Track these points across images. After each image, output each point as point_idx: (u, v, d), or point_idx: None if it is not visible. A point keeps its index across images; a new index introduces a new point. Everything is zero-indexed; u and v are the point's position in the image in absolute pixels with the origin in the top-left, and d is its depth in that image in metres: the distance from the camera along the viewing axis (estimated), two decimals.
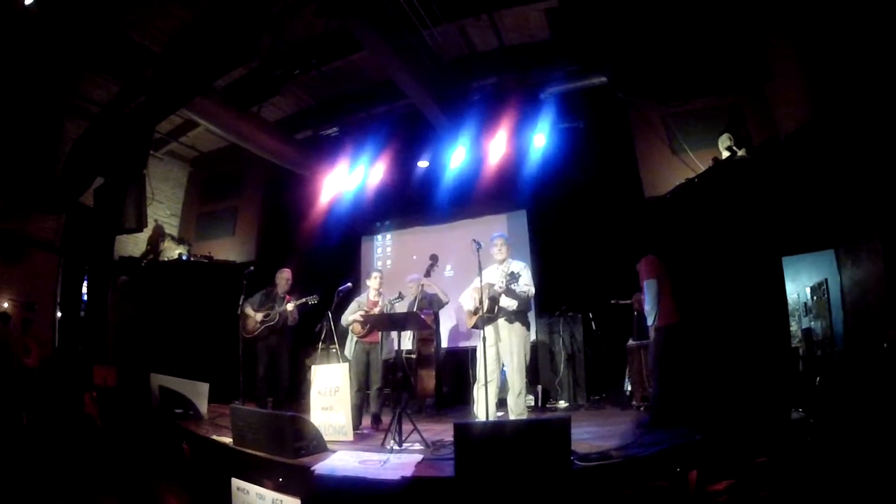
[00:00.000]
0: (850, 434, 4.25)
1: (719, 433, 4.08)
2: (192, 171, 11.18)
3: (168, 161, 10.61)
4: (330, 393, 5.32)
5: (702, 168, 6.72)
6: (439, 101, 7.43)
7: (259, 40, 6.26)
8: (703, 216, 5.91)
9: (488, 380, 4.95)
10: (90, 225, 8.57)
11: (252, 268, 6.81)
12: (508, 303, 5.16)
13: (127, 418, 6.35)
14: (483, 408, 4.87)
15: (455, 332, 8.49)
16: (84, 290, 9.64)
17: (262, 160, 9.21)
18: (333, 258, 9.65)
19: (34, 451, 6.71)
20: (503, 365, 5.26)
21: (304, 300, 6.64)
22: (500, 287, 5.08)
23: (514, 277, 5.05)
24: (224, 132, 8.10)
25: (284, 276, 6.94)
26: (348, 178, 9.08)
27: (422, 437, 4.74)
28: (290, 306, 6.65)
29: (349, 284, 6.49)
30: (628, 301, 6.99)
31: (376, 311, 6.08)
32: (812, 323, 5.86)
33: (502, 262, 5.46)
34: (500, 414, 5.47)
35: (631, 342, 6.92)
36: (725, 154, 6.38)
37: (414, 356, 7.00)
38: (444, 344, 8.00)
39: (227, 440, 4.85)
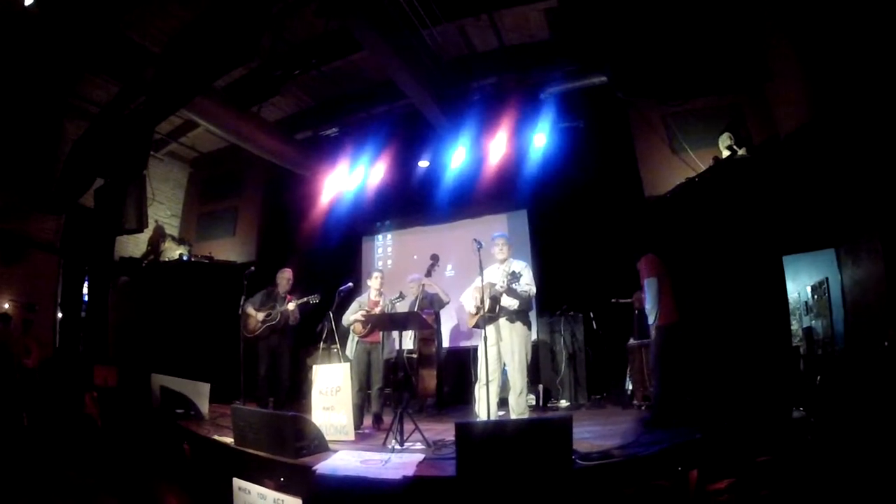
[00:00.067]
0: (850, 433, 4.25)
1: (720, 432, 4.09)
2: (192, 172, 11.18)
3: (168, 162, 10.61)
4: (331, 393, 5.32)
5: (702, 167, 6.72)
6: (439, 101, 7.43)
7: (259, 40, 6.25)
8: (703, 215, 5.91)
9: (489, 379, 4.95)
10: (90, 225, 8.56)
11: (253, 268, 6.82)
12: (510, 302, 5.17)
13: (128, 418, 6.36)
14: (484, 407, 4.87)
15: (456, 332, 8.50)
16: (85, 290, 9.64)
17: (262, 160, 9.20)
18: (334, 258, 9.65)
19: (35, 451, 6.71)
20: (504, 364, 5.25)
21: (305, 299, 6.64)
22: (502, 286, 5.09)
23: (515, 277, 5.06)
24: (224, 132, 8.10)
25: (286, 276, 6.94)
26: (349, 178, 9.08)
27: (423, 436, 4.74)
28: (291, 306, 6.66)
29: (350, 284, 6.49)
30: (629, 300, 7.00)
31: (377, 310, 6.08)
32: (813, 322, 5.86)
33: (503, 261, 5.46)
34: (501, 413, 5.46)
35: (632, 341, 6.92)
36: (726, 153, 6.39)
37: (415, 356, 6.99)
38: (446, 343, 8.00)
39: (229, 440, 4.85)
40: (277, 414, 4.93)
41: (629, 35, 6.68)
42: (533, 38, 7.81)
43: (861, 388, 4.55)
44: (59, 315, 8.85)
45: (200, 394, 6.32)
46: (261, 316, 6.71)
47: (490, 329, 5.10)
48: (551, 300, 7.62)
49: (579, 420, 5.03)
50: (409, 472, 3.72)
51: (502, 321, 5.23)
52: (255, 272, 6.77)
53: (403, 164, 9.16)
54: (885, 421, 4.03)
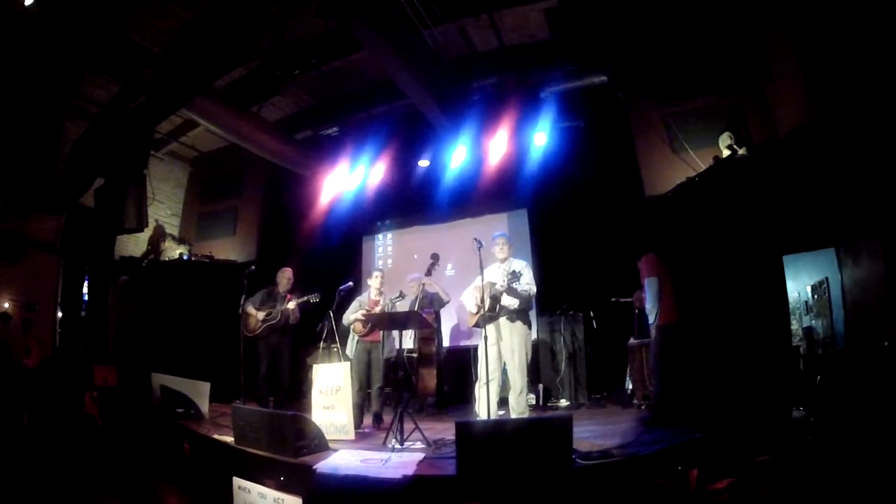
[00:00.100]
0: (851, 433, 4.25)
1: (720, 432, 4.09)
2: (192, 171, 11.18)
3: (168, 161, 10.61)
4: (331, 392, 5.32)
5: (702, 167, 6.71)
6: (439, 101, 7.43)
7: (259, 40, 6.25)
8: (703, 215, 5.91)
9: (490, 378, 4.96)
10: (91, 225, 8.57)
11: (253, 267, 6.83)
12: (510, 301, 5.17)
13: (128, 418, 6.36)
14: (484, 406, 4.87)
15: (456, 331, 8.50)
16: (85, 290, 9.65)
17: (262, 160, 9.21)
18: (334, 257, 9.65)
19: (35, 451, 6.71)
20: (504, 363, 5.26)
21: (305, 298, 6.65)
22: (502, 286, 5.09)
23: (515, 276, 5.06)
24: (224, 132, 8.10)
25: (286, 276, 6.94)
26: (349, 178, 9.08)
27: (423, 435, 4.74)
28: (291, 305, 6.66)
29: (350, 284, 6.50)
30: (629, 299, 7.00)
31: (377, 310, 6.08)
32: (813, 322, 5.86)
33: (504, 260, 5.46)
34: (501, 413, 5.46)
35: (632, 341, 6.92)
36: (726, 153, 6.38)
37: (415, 355, 6.99)
38: (446, 343, 8.00)
39: (229, 439, 4.85)
40: (277, 413, 4.93)
41: (629, 35, 6.68)
42: (533, 38, 7.81)
43: (861, 388, 4.55)
44: (60, 314, 8.85)
45: (200, 393, 6.32)
46: (261, 315, 6.71)
47: (490, 328, 5.10)
48: (551, 299, 7.62)
49: (579, 419, 5.04)
50: (410, 471, 3.72)
51: (502, 320, 5.23)
52: (256, 271, 6.78)
53: (404, 164, 9.17)
54: (885, 421, 4.03)
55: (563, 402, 7.18)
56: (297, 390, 7.51)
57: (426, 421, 5.89)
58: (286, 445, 4.28)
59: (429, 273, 6.73)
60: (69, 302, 9.14)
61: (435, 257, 6.87)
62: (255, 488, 4.17)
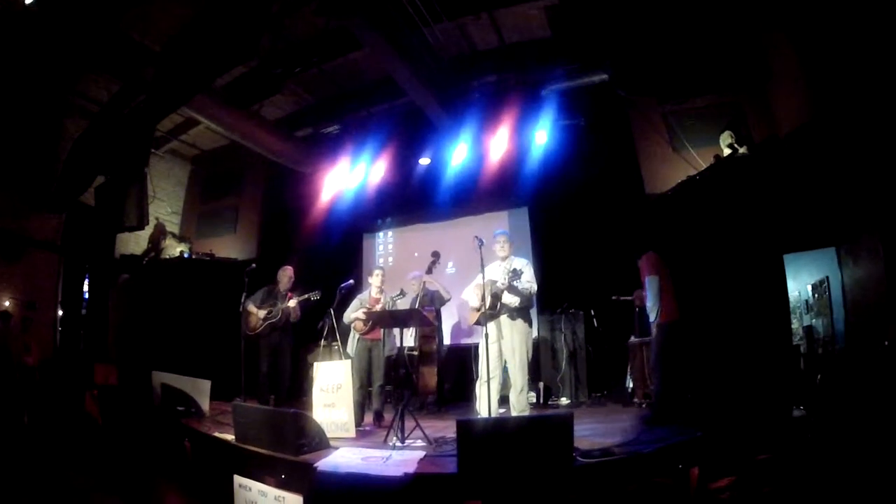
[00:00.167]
0: (851, 432, 4.25)
1: (721, 430, 4.09)
2: (193, 169, 11.18)
3: (169, 159, 10.61)
4: (332, 390, 5.33)
5: (703, 165, 6.71)
6: (440, 99, 7.44)
7: (259, 39, 6.26)
8: (704, 213, 5.91)
9: (490, 376, 4.97)
10: (91, 223, 8.58)
11: (254, 265, 6.83)
12: (511, 299, 5.17)
13: (128, 416, 6.36)
14: (485, 404, 4.88)
15: (457, 329, 8.50)
16: (85, 288, 9.66)
17: (263, 158, 9.22)
18: (335, 255, 9.65)
19: (35, 450, 6.72)
20: (505, 362, 5.26)
21: (306, 296, 6.65)
22: (503, 284, 5.09)
23: (516, 274, 5.06)
24: (225, 130, 8.11)
25: (287, 274, 6.94)
26: (349, 176, 9.09)
27: (424, 433, 4.73)
28: (292, 303, 6.66)
29: (351, 281, 6.51)
30: (630, 298, 6.99)
31: (378, 308, 6.08)
32: (813, 321, 5.87)
33: (505, 258, 5.46)
34: (501, 411, 5.47)
35: (632, 339, 6.92)
36: (727, 151, 6.38)
37: (416, 353, 7.00)
38: (446, 341, 8.01)
39: (230, 437, 4.85)
40: (278, 411, 4.94)
41: (630, 33, 6.68)
42: (533, 36, 7.81)
43: (861, 387, 4.55)
44: (60, 313, 8.85)
45: (201, 391, 6.32)
46: (262, 313, 6.71)
47: (491, 326, 5.10)
48: (552, 298, 7.61)
49: (580, 418, 5.03)
50: (411, 469, 3.71)
51: (503, 318, 5.23)
52: (256, 269, 6.77)
53: (404, 162, 9.17)
54: (886, 420, 4.03)
55: (564, 401, 7.18)
56: (297, 388, 7.52)
57: (427, 419, 5.89)
58: (287, 443, 4.28)
59: (429, 271, 6.74)
60: (69, 300, 9.14)
61: (436, 255, 6.88)
62: (256, 486, 4.18)
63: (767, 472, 3.71)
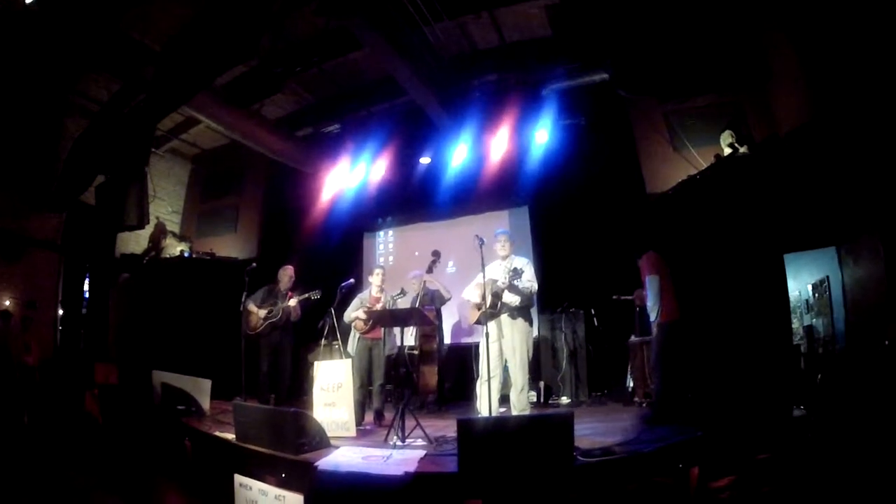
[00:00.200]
0: (851, 431, 4.25)
1: (721, 430, 4.09)
2: (193, 168, 11.17)
3: (169, 158, 10.60)
4: (333, 389, 5.33)
5: (704, 165, 6.71)
6: (440, 98, 7.44)
7: (260, 38, 6.26)
8: (704, 213, 5.90)
9: (491, 376, 4.97)
10: (91, 223, 8.58)
11: (254, 264, 6.83)
12: (511, 298, 5.17)
13: (129, 416, 6.36)
14: (486, 404, 4.88)
15: (457, 329, 8.50)
16: (85, 287, 9.66)
17: (263, 157, 9.22)
18: (335, 255, 9.64)
19: (35, 449, 6.72)
20: (506, 361, 5.26)
21: (306, 295, 6.65)
22: (504, 283, 5.09)
23: (517, 273, 5.07)
24: (225, 130, 8.11)
25: (288, 274, 6.94)
26: (350, 175, 9.09)
27: (425, 432, 4.73)
28: (292, 302, 6.66)
29: (352, 281, 6.52)
30: (630, 297, 6.99)
31: (379, 307, 6.08)
32: (814, 320, 5.87)
33: (505, 258, 5.46)
34: (502, 410, 5.46)
35: (633, 338, 6.91)
36: (727, 151, 6.38)
37: (416, 352, 7.00)
38: (447, 340, 8.01)
39: (230, 436, 4.86)
40: (279, 410, 4.94)
41: (630, 33, 6.68)
42: (534, 36, 7.80)
43: (861, 387, 4.55)
44: (60, 312, 8.84)
45: (202, 390, 6.33)
46: (262, 313, 6.71)
47: (492, 325, 5.11)
48: (553, 297, 7.61)
49: (580, 417, 5.03)
50: (411, 468, 3.72)
51: (504, 318, 5.23)
52: (257, 269, 6.77)
53: (405, 161, 9.17)
54: (886, 419, 4.03)
55: (565, 400, 7.18)
56: (298, 388, 7.51)
57: (427, 418, 5.89)
58: (287, 442, 4.28)
59: (430, 270, 6.73)
60: (70, 300, 9.14)
61: (436, 254, 6.87)
62: (257, 485, 4.19)
63: (767, 472, 3.71)
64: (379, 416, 6.11)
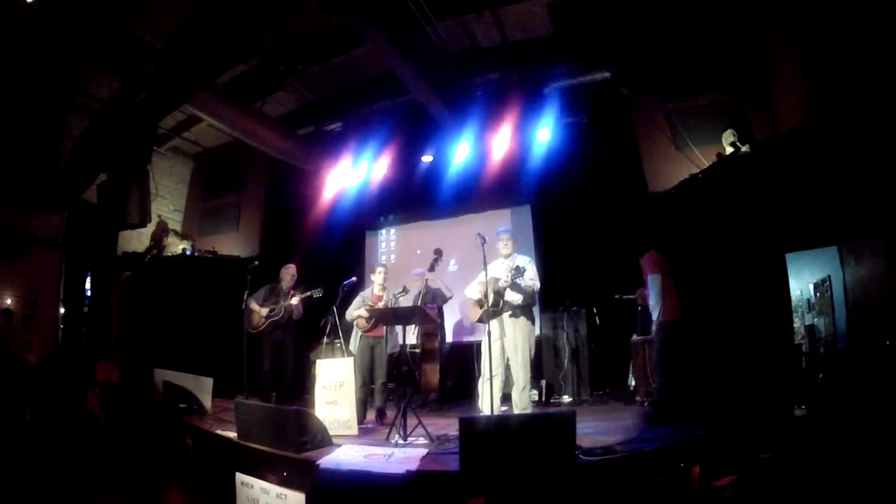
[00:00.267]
0: (852, 431, 4.25)
1: (722, 429, 4.10)
2: (195, 167, 11.19)
3: (171, 156, 10.62)
4: (334, 387, 5.33)
5: (706, 164, 6.71)
6: (442, 97, 7.44)
7: (262, 36, 6.25)
8: (706, 212, 5.90)
9: (493, 374, 4.97)
10: (93, 221, 8.59)
11: (256, 263, 6.82)
12: (513, 297, 5.17)
13: (130, 414, 6.36)
14: (487, 402, 4.88)
15: (459, 327, 8.50)
16: (87, 286, 9.67)
17: (265, 155, 9.22)
18: (337, 253, 9.64)
19: (37, 447, 6.73)
20: (507, 359, 5.26)
21: (308, 294, 6.66)
22: (506, 281, 5.09)
23: (519, 272, 5.06)
24: (227, 128, 8.12)
25: (290, 272, 6.94)
26: (352, 173, 9.09)
27: (426, 431, 4.74)
28: (294, 300, 6.67)
29: (354, 279, 6.52)
30: (632, 296, 6.98)
31: (381, 305, 6.09)
32: (815, 320, 5.87)
33: (508, 256, 5.45)
34: (504, 408, 5.47)
35: (635, 337, 6.91)
36: (729, 150, 6.37)
37: (418, 350, 7.00)
38: (449, 338, 8.02)
39: (232, 435, 4.86)
40: (280, 408, 4.93)
41: (632, 32, 6.66)
42: (536, 34, 7.80)
43: (863, 387, 4.55)
44: (62, 311, 8.86)
45: (203, 389, 6.33)
46: (264, 311, 6.71)
47: (493, 324, 5.11)
48: (555, 296, 7.60)
49: (582, 416, 4.99)
50: (413, 466, 3.72)
51: (506, 316, 5.23)
52: (259, 267, 6.77)
53: (407, 159, 9.16)
54: (887, 419, 4.03)
55: (566, 399, 7.18)
56: (300, 386, 7.52)
57: (429, 416, 5.90)
58: (289, 441, 4.28)
59: (432, 268, 6.72)
60: (71, 298, 9.16)
61: (438, 253, 6.86)
62: (258, 483, 4.19)
63: (769, 471, 3.71)
64: (381, 414, 6.11)
